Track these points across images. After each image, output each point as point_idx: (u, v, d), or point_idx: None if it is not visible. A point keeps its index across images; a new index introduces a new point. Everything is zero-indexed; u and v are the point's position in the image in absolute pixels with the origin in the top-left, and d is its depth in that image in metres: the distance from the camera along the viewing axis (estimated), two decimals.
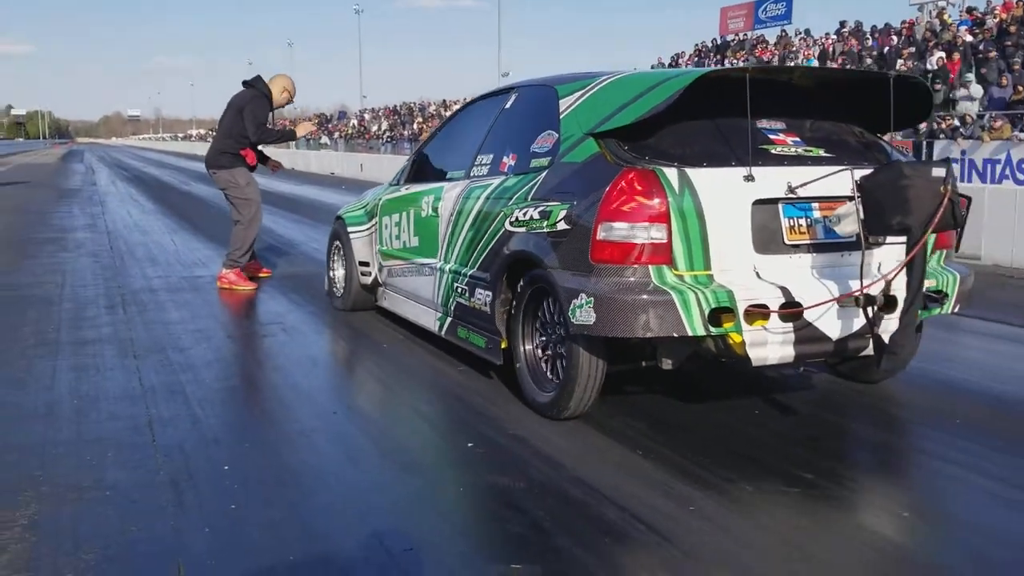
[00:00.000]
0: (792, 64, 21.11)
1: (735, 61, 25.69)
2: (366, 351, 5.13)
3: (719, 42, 29.08)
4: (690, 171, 3.46)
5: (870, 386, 4.32)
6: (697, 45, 29.87)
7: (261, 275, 7.40)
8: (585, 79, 4.15)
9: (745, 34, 28.36)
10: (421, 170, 5.57)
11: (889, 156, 3.96)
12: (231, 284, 6.88)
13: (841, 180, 3.53)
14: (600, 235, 3.45)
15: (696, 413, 3.93)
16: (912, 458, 3.54)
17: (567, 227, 3.62)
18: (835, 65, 20.08)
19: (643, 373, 3.92)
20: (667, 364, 3.64)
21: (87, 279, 7.34)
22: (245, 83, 6.97)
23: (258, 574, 2.48)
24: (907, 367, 4.20)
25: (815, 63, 21.44)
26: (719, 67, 4.08)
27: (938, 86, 16.37)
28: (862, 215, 3.41)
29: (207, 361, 4.79)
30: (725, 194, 3.48)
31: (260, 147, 7.07)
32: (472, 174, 4.70)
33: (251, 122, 6.71)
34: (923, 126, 15.19)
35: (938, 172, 3.36)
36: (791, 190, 3.55)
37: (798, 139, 3.81)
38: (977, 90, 15.40)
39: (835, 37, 22.69)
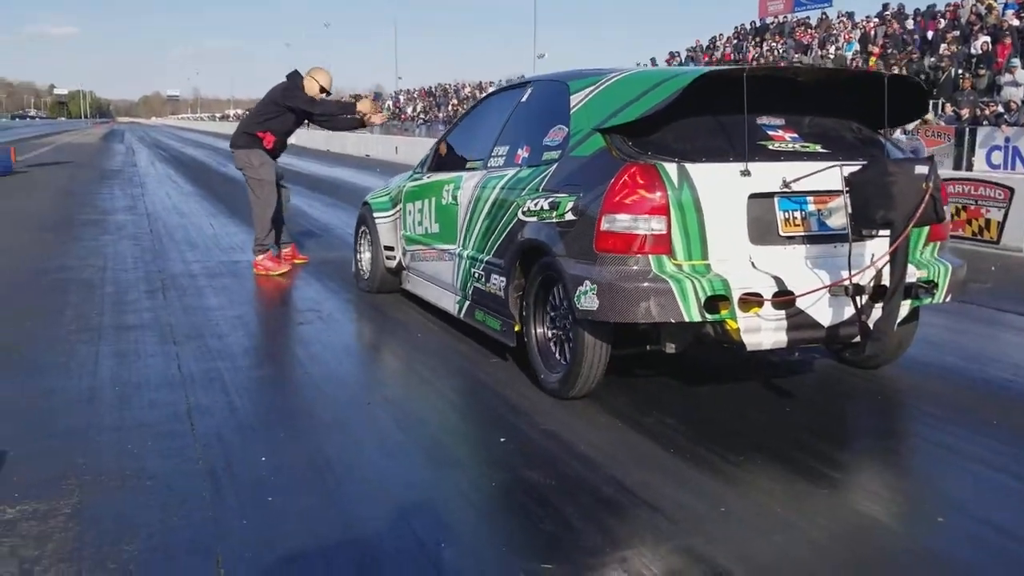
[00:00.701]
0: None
1: (774, 44, 25.32)
2: (399, 340, 5.17)
3: (758, 24, 28.65)
4: (689, 166, 3.67)
5: (908, 386, 4.31)
6: (736, 27, 29.44)
7: (298, 261, 7.49)
8: (595, 76, 4.38)
9: (785, 16, 27.90)
10: (443, 159, 5.77)
11: (884, 151, 4.09)
12: (267, 270, 6.98)
13: (833, 175, 3.71)
14: (604, 226, 3.66)
15: (727, 409, 3.93)
16: (942, 456, 3.50)
17: (574, 218, 3.84)
18: (876, 49, 19.73)
19: (668, 360, 3.98)
20: (671, 348, 3.83)
21: (128, 263, 7.46)
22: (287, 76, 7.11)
23: (293, 565, 2.53)
24: (903, 354, 4.40)
25: (856, 47, 21.08)
26: (718, 67, 4.24)
27: (982, 71, 16.02)
28: (850, 209, 3.60)
29: (244, 348, 4.87)
30: (722, 188, 3.69)
31: (330, 127, 7.31)
32: (489, 165, 4.92)
33: (297, 103, 6.82)
34: (966, 112, 14.89)
35: (921, 169, 3.53)
36: (785, 184, 3.73)
37: (796, 135, 3.99)
38: (1023, 75, 15.04)
39: (877, 20, 22.24)
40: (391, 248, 6.14)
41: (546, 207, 4.04)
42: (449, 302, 5.22)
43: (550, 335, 4.19)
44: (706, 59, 27.64)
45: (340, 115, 7.09)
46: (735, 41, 28.09)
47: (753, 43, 26.75)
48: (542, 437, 3.53)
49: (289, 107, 6.83)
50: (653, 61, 30.46)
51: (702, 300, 3.51)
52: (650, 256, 3.62)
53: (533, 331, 4.25)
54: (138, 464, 3.16)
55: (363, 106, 7.05)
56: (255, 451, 3.34)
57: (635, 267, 3.61)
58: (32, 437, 3.43)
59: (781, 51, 24.57)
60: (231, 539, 2.65)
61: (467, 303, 4.95)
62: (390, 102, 52.02)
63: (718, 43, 28.75)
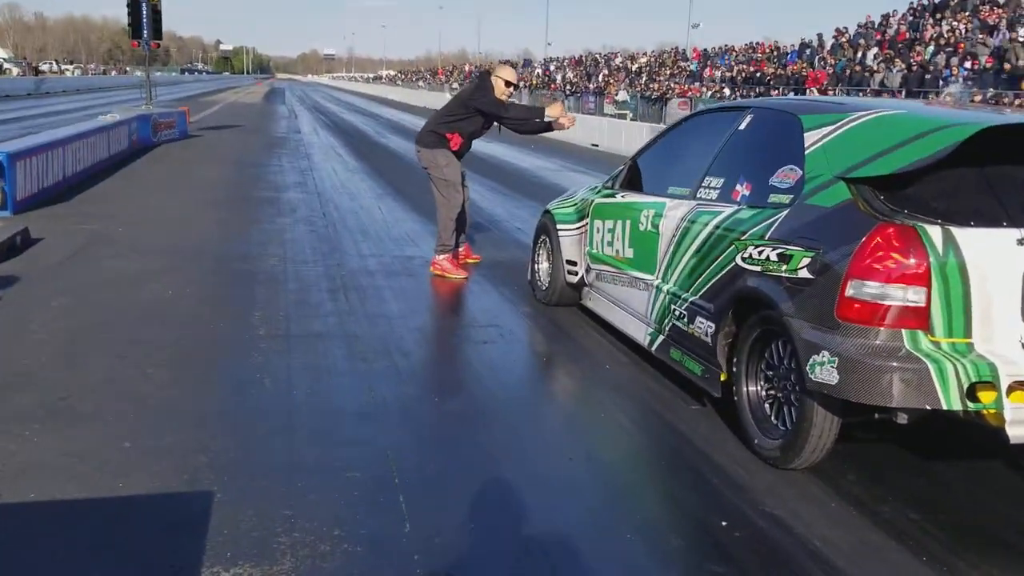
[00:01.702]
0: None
1: (955, 23, 23.33)
2: (588, 373, 4.91)
3: (937, 1, 26.47)
4: (955, 230, 3.20)
5: None
6: (912, 3, 27.28)
7: (471, 260, 7.37)
8: (835, 112, 3.92)
9: None
10: (638, 178, 5.46)
11: None
12: (443, 272, 6.87)
13: None
14: (849, 291, 3.26)
15: (976, 499, 3.48)
16: None
17: (810, 276, 3.44)
18: None
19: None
20: (902, 419, 3.35)
21: (306, 253, 7.52)
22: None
23: None
24: None
25: None
26: (1000, 117, 3.69)
27: None
28: None
29: (432, 371, 4.77)
30: (993, 258, 3.19)
31: (519, 130, 7.12)
32: (699, 196, 4.53)
33: (486, 107, 6.68)
34: None
35: None
36: None
37: None
38: None
39: None
40: (573, 263, 5.88)
41: (773, 258, 3.66)
42: (638, 332, 4.93)
43: (764, 394, 3.84)
44: (878, 37, 25.86)
45: (529, 119, 6.88)
46: (910, 18, 26.08)
47: (932, 21, 24.72)
48: (769, 525, 3.18)
49: (478, 109, 6.67)
50: (820, 38, 28.88)
51: (964, 386, 3.08)
52: (903, 330, 3.22)
53: (744, 388, 3.90)
54: (347, 524, 3.01)
55: (553, 111, 6.81)
56: (463, 513, 3.15)
57: (885, 342, 3.22)
58: (237, 474, 3.36)
59: (964, 31, 22.61)
60: None
61: (661, 338, 4.64)
62: (539, 69, 51.72)
63: (891, 20, 26.79)
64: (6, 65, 75.20)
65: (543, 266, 6.28)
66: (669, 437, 4.02)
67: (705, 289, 4.20)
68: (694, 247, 4.33)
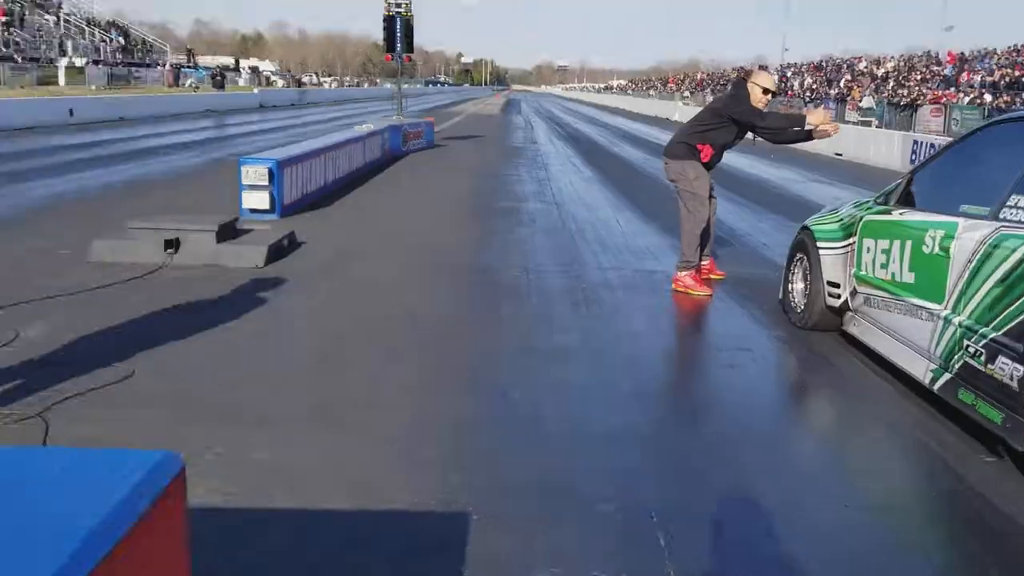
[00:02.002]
0: None
1: None
2: (856, 409, 4.45)
3: None
4: None
5: None
6: None
7: (715, 277, 7.03)
8: None
9: None
10: (918, 194, 4.89)
11: None
12: (686, 288, 6.58)
13: None
14: None
15: None
16: None
17: None
18: None
19: None
20: None
21: (548, 265, 7.49)
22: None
23: None
24: None
25: None
26: None
27: None
28: None
29: (680, 394, 4.56)
30: None
31: (775, 140, 6.79)
32: (1002, 216, 3.94)
33: (743, 116, 6.36)
34: None
35: None
36: None
37: None
38: None
39: None
40: (836, 284, 5.40)
41: None
42: (916, 367, 4.40)
43: None
44: None
45: (788, 128, 6.45)
46: None
47: None
48: None
49: (733, 119, 6.33)
50: None
51: None
52: None
53: None
54: (607, 563, 2.82)
55: (815, 118, 6.33)
56: (726, 563, 2.89)
57: None
58: (491, 495, 3.27)
59: None
60: None
61: (947, 376, 4.09)
62: (776, 76, 49.65)
63: None
64: (272, 77, 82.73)
65: (798, 286, 5.86)
66: (960, 491, 3.52)
67: (1012, 325, 3.64)
68: (998, 275, 3.78)
